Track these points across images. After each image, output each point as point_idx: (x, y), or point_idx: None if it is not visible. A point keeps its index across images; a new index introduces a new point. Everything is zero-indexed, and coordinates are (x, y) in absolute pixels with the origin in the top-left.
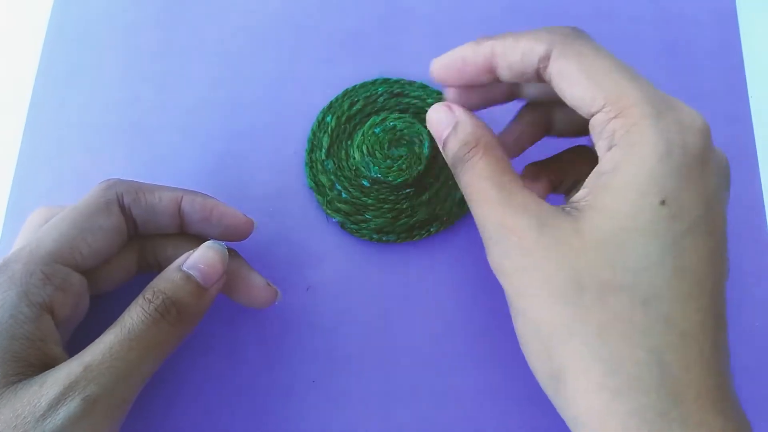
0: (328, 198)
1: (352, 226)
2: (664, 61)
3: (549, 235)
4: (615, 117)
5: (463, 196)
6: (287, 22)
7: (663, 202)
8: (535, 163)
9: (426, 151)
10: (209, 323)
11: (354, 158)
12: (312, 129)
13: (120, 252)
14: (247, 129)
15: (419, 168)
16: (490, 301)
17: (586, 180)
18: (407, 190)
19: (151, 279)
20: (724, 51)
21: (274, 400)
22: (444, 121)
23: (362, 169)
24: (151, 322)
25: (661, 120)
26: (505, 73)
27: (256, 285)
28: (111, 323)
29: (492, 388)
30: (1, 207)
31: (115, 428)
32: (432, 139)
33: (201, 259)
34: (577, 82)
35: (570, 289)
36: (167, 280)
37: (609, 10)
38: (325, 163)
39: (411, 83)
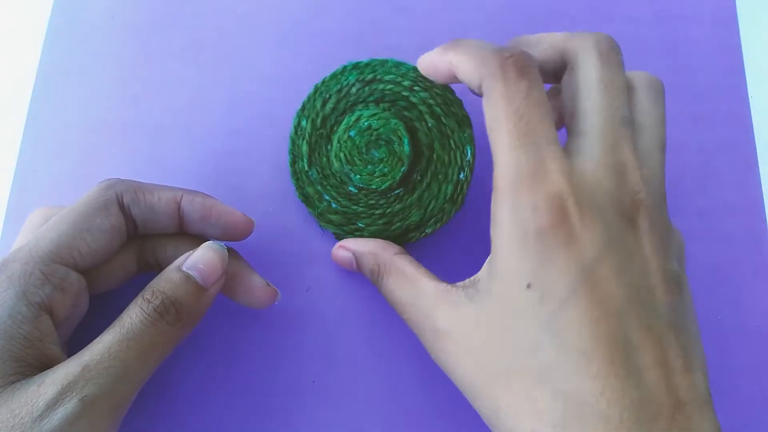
0: (319, 210)
1: (347, 236)
2: (663, 61)
3: (457, 334)
4: (493, 188)
5: (454, 192)
6: (287, 22)
7: (529, 286)
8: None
9: (406, 148)
10: (209, 323)
11: (334, 166)
12: (290, 137)
13: (119, 251)
14: (247, 129)
15: (402, 169)
16: None
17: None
18: (396, 191)
19: (151, 279)
20: (724, 51)
21: (274, 400)
22: (346, 259)
23: (343, 177)
24: (150, 322)
25: (516, 201)
26: (462, 81)
27: (256, 285)
28: (111, 323)
29: None
30: (1, 207)
31: (114, 428)
32: (412, 134)
33: (200, 259)
34: (487, 128)
35: (484, 380)
36: (167, 280)
37: (609, 10)
38: (309, 173)
39: (383, 63)
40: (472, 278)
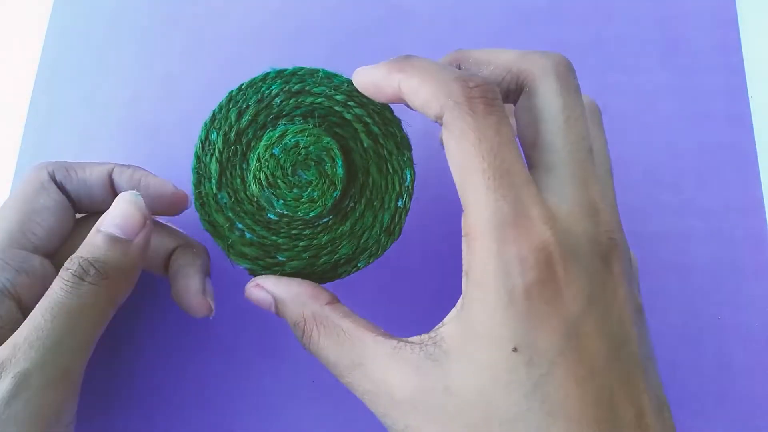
0: (229, 241)
1: (264, 272)
2: (664, 61)
3: (423, 403)
4: (465, 235)
5: (392, 221)
6: (288, 22)
7: (515, 349)
8: None
9: (340, 170)
10: (210, 324)
11: (252, 190)
12: (195, 152)
13: (84, 232)
14: None
15: (334, 194)
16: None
17: (450, 313)
18: (325, 220)
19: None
20: (723, 51)
21: (274, 399)
22: (264, 301)
23: (263, 203)
24: (71, 287)
25: (500, 252)
26: (414, 107)
27: (190, 290)
28: (115, 319)
29: None
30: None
31: (63, 398)
32: (345, 154)
33: (117, 213)
34: (451, 164)
35: None
36: (86, 244)
37: (609, 10)
38: (219, 196)
39: (312, 73)
40: (431, 335)
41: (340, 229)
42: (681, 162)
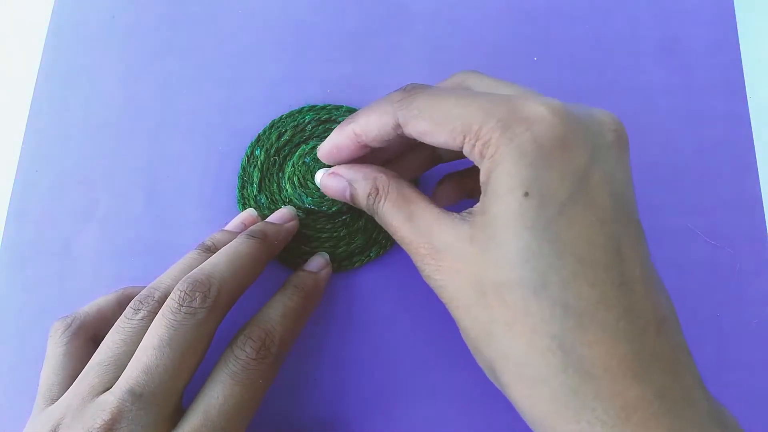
0: None
1: (293, 259)
2: (662, 60)
3: (452, 249)
4: (474, 143)
5: None
6: (288, 22)
7: (526, 194)
8: (451, 174)
9: None
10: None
11: (286, 190)
12: (241, 164)
13: None
14: (248, 129)
15: None
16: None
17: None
18: (343, 218)
19: None
20: (722, 49)
21: (274, 398)
22: (339, 188)
23: (295, 200)
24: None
25: (507, 128)
26: (375, 144)
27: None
28: None
29: (480, 388)
30: (3, 206)
31: None
32: None
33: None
34: (432, 133)
35: (476, 295)
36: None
37: (607, 8)
38: (258, 198)
39: (338, 108)
40: (468, 209)
41: (356, 225)
42: (680, 160)
